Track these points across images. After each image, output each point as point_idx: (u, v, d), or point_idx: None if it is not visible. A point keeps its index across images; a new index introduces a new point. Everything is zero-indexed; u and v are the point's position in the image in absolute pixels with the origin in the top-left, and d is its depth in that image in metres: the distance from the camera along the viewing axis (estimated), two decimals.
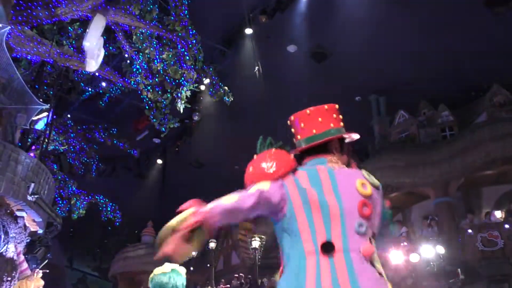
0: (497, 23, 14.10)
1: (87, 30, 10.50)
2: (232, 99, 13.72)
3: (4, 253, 7.82)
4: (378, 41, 15.19)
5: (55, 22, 11.04)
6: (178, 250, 1.62)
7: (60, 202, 16.55)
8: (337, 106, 2.03)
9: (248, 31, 15.48)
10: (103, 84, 15.19)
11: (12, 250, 7.98)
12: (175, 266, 3.25)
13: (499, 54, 14.61)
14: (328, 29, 15.41)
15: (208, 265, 19.81)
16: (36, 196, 7.91)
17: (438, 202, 14.92)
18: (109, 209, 18.18)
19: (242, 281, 18.05)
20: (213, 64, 15.12)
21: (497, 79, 15.93)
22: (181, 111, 12.84)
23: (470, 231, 13.11)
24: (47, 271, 8.86)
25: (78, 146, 16.76)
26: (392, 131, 17.98)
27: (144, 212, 24.10)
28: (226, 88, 13.74)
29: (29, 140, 11.07)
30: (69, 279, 28.20)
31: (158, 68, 12.19)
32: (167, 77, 12.59)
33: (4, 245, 7.72)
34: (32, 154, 9.90)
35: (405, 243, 12.69)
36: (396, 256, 11.34)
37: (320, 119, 1.94)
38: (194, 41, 11.92)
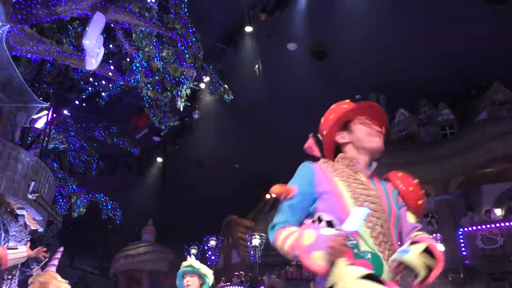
0: (498, 21, 14.08)
1: (87, 28, 10.47)
2: (232, 97, 13.72)
3: None
4: (378, 39, 15.19)
5: (54, 20, 11.03)
6: None
7: (61, 200, 16.56)
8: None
9: (248, 29, 15.46)
10: (103, 82, 15.18)
11: None
12: (193, 261, 3.82)
13: (500, 52, 14.61)
14: (328, 27, 15.40)
15: (209, 263, 19.83)
16: (36, 195, 7.92)
17: (438, 200, 14.92)
18: (109, 207, 18.20)
19: (242, 279, 18.08)
20: (213, 62, 15.12)
21: (497, 77, 15.92)
22: (181, 109, 12.84)
23: (470, 228, 13.13)
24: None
25: (78, 145, 16.76)
26: (392, 129, 17.97)
27: (144, 210, 24.12)
28: (226, 86, 13.73)
29: (29, 138, 11.06)
30: (70, 277, 28.25)
31: (158, 66, 12.17)
32: (167, 75, 12.58)
33: (5, 244, 7.73)
34: (32, 153, 9.90)
35: None
36: None
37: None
38: (194, 39, 11.90)
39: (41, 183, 8.28)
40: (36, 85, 11.77)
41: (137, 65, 12.54)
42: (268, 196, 22.72)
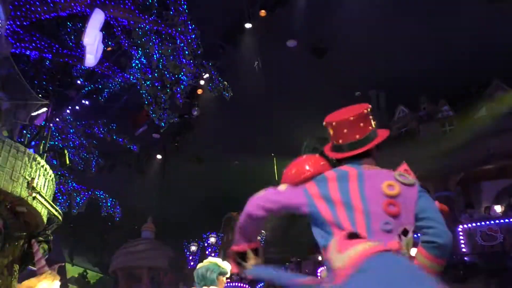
0: (498, 18, 14.07)
1: (86, 25, 10.46)
2: (231, 94, 13.71)
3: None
4: (378, 37, 15.19)
5: (53, 17, 11.00)
6: None
7: (60, 197, 16.56)
8: (370, 106, 2.11)
9: (248, 26, 15.42)
10: (103, 79, 15.16)
11: None
12: (215, 259, 3.62)
13: (499, 50, 14.60)
14: (328, 24, 15.38)
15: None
16: (36, 192, 7.91)
17: (438, 196, 14.92)
18: (109, 204, 18.21)
19: (242, 275, 18.11)
20: (212, 59, 15.09)
21: (497, 74, 15.92)
22: (181, 106, 12.83)
23: (469, 225, 13.15)
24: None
25: (77, 142, 16.74)
26: (392, 126, 17.98)
27: (144, 208, 24.15)
28: (225, 83, 13.71)
29: (29, 135, 11.05)
30: (70, 274, 28.35)
31: (157, 63, 12.16)
32: (166, 72, 12.56)
33: (5, 243, 7.72)
34: (31, 150, 9.89)
35: None
36: None
37: (361, 124, 2.01)
38: (193, 36, 11.88)
39: (40, 180, 8.27)
40: (36, 82, 11.75)
41: (136, 62, 12.52)
42: None
